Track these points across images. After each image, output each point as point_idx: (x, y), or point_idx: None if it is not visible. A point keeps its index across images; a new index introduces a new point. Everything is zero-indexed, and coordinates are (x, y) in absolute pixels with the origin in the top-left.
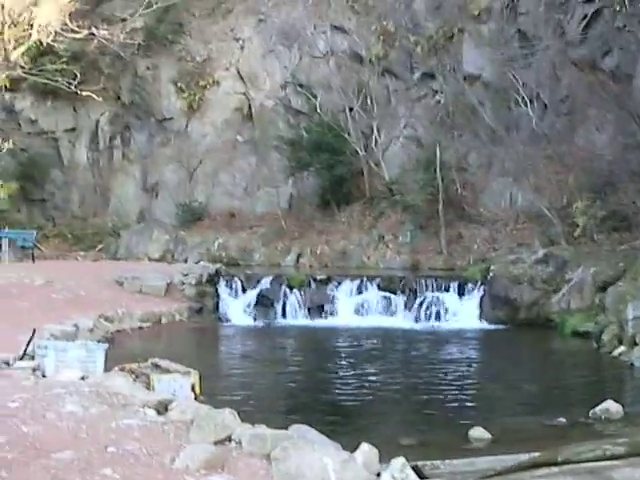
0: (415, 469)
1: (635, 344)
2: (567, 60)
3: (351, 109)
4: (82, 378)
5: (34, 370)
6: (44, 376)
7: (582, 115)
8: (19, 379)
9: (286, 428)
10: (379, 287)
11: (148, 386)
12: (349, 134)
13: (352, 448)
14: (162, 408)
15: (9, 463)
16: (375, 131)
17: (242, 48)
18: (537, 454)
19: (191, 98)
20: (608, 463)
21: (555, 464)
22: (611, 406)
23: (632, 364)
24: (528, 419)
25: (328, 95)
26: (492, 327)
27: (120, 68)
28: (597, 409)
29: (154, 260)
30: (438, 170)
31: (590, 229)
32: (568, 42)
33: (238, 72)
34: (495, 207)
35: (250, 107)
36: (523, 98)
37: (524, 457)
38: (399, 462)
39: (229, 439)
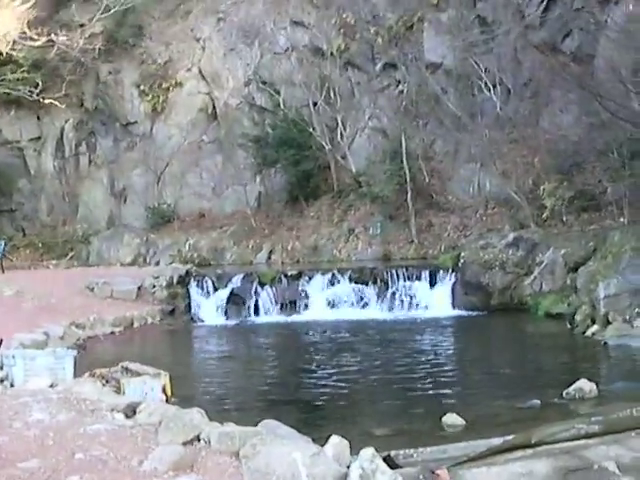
0: (387, 459)
1: (608, 323)
2: (528, 44)
3: (315, 103)
4: (51, 386)
5: (2, 380)
6: (12, 385)
7: (546, 97)
8: None
9: (257, 425)
10: (350, 279)
11: (119, 390)
12: (314, 128)
13: (325, 441)
14: (130, 411)
15: None
16: (340, 124)
17: (203, 48)
18: (511, 437)
19: (155, 101)
20: (582, 442)
21: (529, 446)
22: (585, 385)
23: (605, 343)
24: (502, 403)
25: (291, 90)
26: (465, 313)
27: (82, 74)
28: (571, 389)
29: (126, 264)
30: (405, 160)
31: (559, 210)
32: (528, 25)
33: (200, 72)
34: (463, 194)
35: (214, 106)
36: (486, 84)
37: (497, 441)
38: (368, 452)
39: (197, 439)
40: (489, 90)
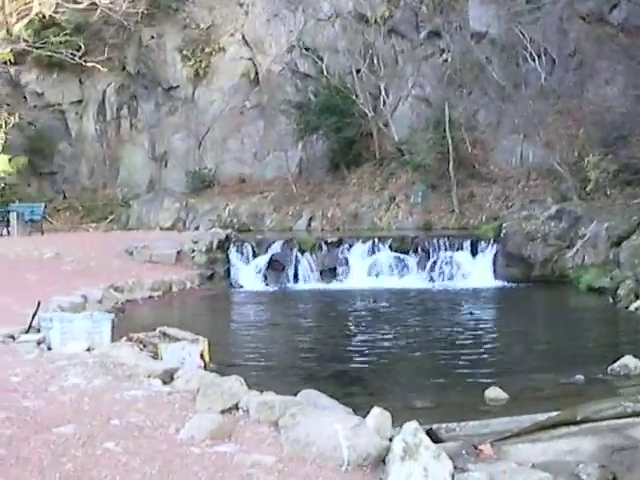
0: (429, 432)
1: None
2: (574, 14)
3: (358, 71)
4: (88, 349)
5: (39, 343)
6: (49, 349)
7: (591, 69)
8: (23, 353)
9: (297, 394)
10: (391, 248)
11: (156, 355)
12: (357, 96)
13: (366, 413)
14: (168, 377)
15: (8, 439)
16: (383, 92)
17: (246, 13)
18: (555, 413)
19: (197, 65)
20: (629, 420)
21: (574, 423)
22: (630, 362)
23: None
24: (545, 377)
25: (334, 57)
26: (506, 285)
27: (124, 38)
28: (615, 365)
29: (165, 229)
30: (447, 129)
31: (603, 183)
32: None
33: (243, 38)
34: (506, 164)
35: (257, 72)
36: (531, 54)
37: (542, 417)
38: (411, 426)
39: (236, 407)
40: (534, 60)
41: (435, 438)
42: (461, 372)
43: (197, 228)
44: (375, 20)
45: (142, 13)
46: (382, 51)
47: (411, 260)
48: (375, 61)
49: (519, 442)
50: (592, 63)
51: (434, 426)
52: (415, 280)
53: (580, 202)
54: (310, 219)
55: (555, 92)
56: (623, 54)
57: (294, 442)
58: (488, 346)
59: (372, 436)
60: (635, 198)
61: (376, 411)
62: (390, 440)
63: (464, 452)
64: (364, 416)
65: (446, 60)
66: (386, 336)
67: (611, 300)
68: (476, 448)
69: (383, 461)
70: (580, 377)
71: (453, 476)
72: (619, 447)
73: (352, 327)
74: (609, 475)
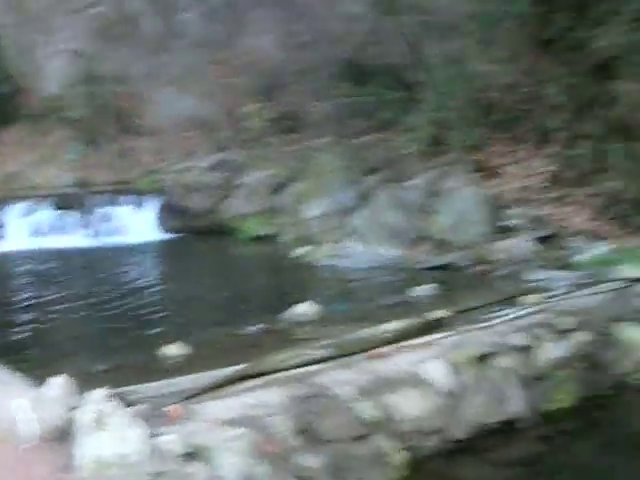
0: (116, 397)
1: (317, 244)
2: None
3: (7, 24)
4: None
5: None
6: None
7: (245, 19)
8: None
9: None
10: (52, 206)
11: None
12: (7, 50)
13: (44, 383)
14: None
15: None
16: (34, 46)
17: None
18: (239, 367)
19: None
20: (314, 368)
21: (261, 375)
22: (305, 308)
23: (317, 264)
24: (222, 330)
25: None
26: (170, 237)
27: None
28: (292, 312)
29: None
30: (101, 83)
31: (261, 132)
32: None
33: None
34: (161, 117)
35: None
36: (185, 5)
37: (228, 371)
38: (99, 393)
39: None
40: (188, 11)
41: (123, 403)
42: (134, 332)
43: None
44: None
45: None
46: (32, 3)
47: (74, 218)
48: (24, 14)
49: (207, 399)
50: (247, 13)
51: (119, 390)
52: (79, 238)
53: (239, 151)
54: None
55: (210, 42)
56: (277, 4)
57: None
58: (161, 303)
59: (57, 407)
60: (295, 144)
61: (58, 380)
62: (78, 410)
63: (153, 415)
64: (44, 387)
65: (99, 12)
66: (53, 301)
67: (276, 248)
68: (164, 409)
69: (72, 433)
70: (258, 327)
71: (147, 442)
72: (307, 395)
73: (15, 292)
74: (302, 424)
